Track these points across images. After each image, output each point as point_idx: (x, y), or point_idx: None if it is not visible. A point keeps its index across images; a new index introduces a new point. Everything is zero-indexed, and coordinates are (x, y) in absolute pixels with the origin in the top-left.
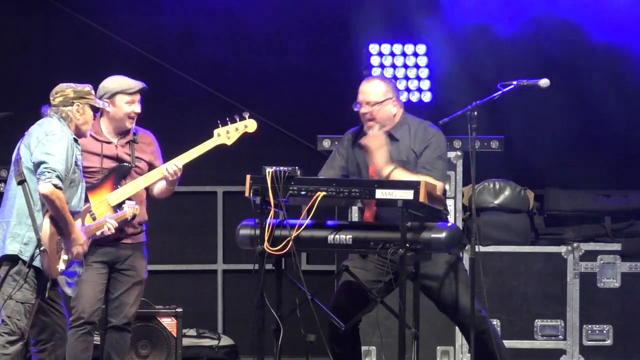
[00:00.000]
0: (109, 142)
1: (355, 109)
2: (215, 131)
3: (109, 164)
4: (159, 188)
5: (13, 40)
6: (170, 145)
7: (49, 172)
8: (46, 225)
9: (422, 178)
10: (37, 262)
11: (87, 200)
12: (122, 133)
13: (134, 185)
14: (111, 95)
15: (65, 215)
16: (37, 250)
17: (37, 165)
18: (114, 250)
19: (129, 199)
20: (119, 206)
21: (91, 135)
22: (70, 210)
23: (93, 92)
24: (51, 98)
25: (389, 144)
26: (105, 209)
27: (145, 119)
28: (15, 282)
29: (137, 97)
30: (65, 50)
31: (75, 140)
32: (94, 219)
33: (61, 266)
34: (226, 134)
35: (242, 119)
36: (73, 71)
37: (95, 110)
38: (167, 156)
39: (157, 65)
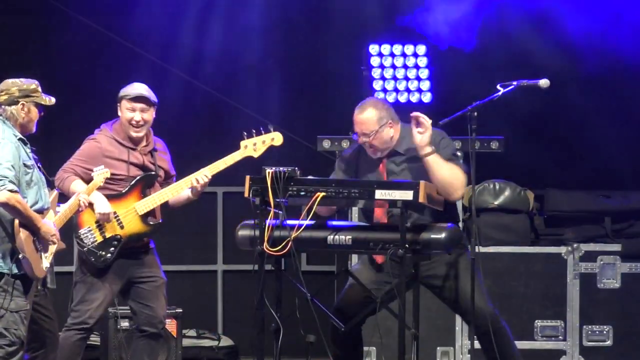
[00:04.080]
0: (134, 149)
1: (354, 139)
2: (242, 143)
3: (135, 172)
4: (178, 197)
5: (13, 40)
6: (168, 146)
7: (0, 180)
8: (19, 232)
9: (454, 167)
10: (19, 269)
11: (52, 187)
12: (139, 141)
13: (162, 195)
14: (118, 100)
15: (29, 216)
16: (15, 259)
17: None
18: (132, 261)
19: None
20: (147, 215)
21: (117, 141)
22: (38, 209)
23: (39, 88)
24: None
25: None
26: (133, 218)
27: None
28: (5, 293)
29: (139, 105)
30: (66, 50)
31: (23, 141)
32: (122, 227)
33: (45, 264)
34: (253, 146)
35: (268, 131)
36: (73, 72)
37: (42, 107)
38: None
39: (157, 65)
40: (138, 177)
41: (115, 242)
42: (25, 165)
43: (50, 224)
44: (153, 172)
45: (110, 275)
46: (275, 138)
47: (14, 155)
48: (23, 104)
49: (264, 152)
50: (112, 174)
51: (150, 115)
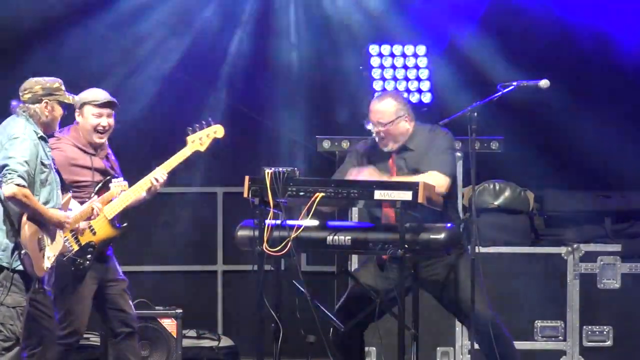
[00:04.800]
0: (94, 155)
1: (367, 127)
2: (188, 139)
3: (98, 177)
4: (137, 198)
5: (14, 40)
6: (166, 146)
7: (9, 173)
8: (25, 227)
9: (423, 177)
10: (20, 265)
11: (67, 190)
12: (98, 146)
13: (126, 197)
14: (80, 105)
15: (36, 208)
16: (17, 254)
17: (0, 169)
18: (100, 265)
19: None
20: (116, 218)
21: (79, 148)
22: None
23: (63, 87)
24: (20, 94)
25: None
26: (103, 223)
27: (145, 119)
28: (3, 288)
29: (105, 110)
30: (66, 51)
31: (43, 139)
32: (94, 233)
33: (46, 263)
34: (199, 140)
35: (209, 124)
36: (73, 72)
37: (65, 105)
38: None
39: (157, 65)
40: (101, 183)
41: (91, 249)
42: (42, 163)
43: (58, 210)
44: (113, 176)
45: (87, 280)
46: (217, 130)
47: (31, 152)
48: (47, 102)
49: (209, 145)
50: (77, 181)
51: (113, 120)
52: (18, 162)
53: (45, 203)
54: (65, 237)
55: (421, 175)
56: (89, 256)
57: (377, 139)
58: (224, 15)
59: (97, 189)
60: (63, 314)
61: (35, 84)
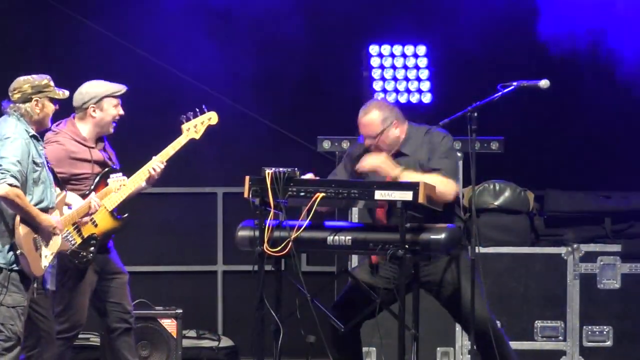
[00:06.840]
0: (93, 147)
1: (359, 142)
2: (183, 127)
3: (97, 169)
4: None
5: (13, 40)
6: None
7: (2, 173)
8: (18, 228)
9: (432, 175)
10: (18, 265)
11: (62, 188)
12: (99, 138)
13: (126, 188)
14: (99, 100)
15: (29, 211)
16: (13, 254)
17: None
18: (104, 257)
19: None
20: (116, 210)
21: (77, 142)
22: (42, 208)
23: (52, 82)
24: (10, 94)
25: (383, 154)
26: (105, 215)
27: (145, 118)
28: (2, 288)
29: (120, 100)
30: (66, 51)
31: (35, 138)
32: (96, 225)
33: (44, 262)
34: (194, 128)
35: (203, 112)
36: (73, 72)
37: (56, 101)
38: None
39: (157, 65)
40: (100, 174)
41: (93, 241)
42: (34, 162)
43: (51, 217)
44: (111, 167)
45: (88, 273)
46: (212, 117)
47: (22, 151)
48: (37, 100)
49: (203, 133)
50: (77, 174)
51: None
52: (10, 162)
53: (39, 202)
54: (67, 230)
55: (431, 176)
56: (92, 248)
57: (371, 149)
58: (224, 15)
59: (95, 181)
60: (62, 308)
61: (24, 82)
